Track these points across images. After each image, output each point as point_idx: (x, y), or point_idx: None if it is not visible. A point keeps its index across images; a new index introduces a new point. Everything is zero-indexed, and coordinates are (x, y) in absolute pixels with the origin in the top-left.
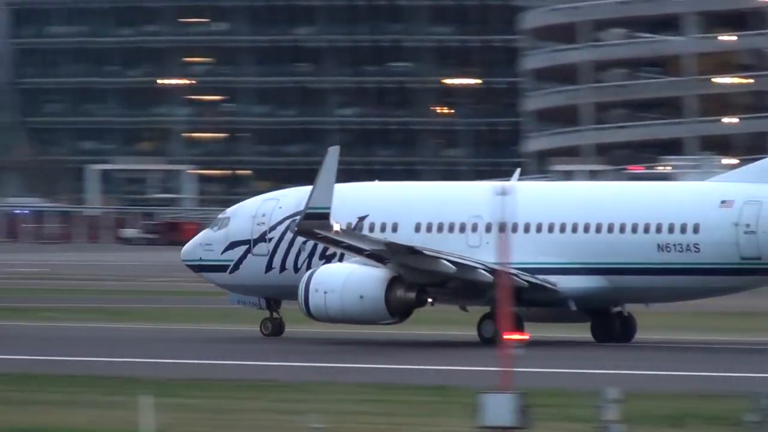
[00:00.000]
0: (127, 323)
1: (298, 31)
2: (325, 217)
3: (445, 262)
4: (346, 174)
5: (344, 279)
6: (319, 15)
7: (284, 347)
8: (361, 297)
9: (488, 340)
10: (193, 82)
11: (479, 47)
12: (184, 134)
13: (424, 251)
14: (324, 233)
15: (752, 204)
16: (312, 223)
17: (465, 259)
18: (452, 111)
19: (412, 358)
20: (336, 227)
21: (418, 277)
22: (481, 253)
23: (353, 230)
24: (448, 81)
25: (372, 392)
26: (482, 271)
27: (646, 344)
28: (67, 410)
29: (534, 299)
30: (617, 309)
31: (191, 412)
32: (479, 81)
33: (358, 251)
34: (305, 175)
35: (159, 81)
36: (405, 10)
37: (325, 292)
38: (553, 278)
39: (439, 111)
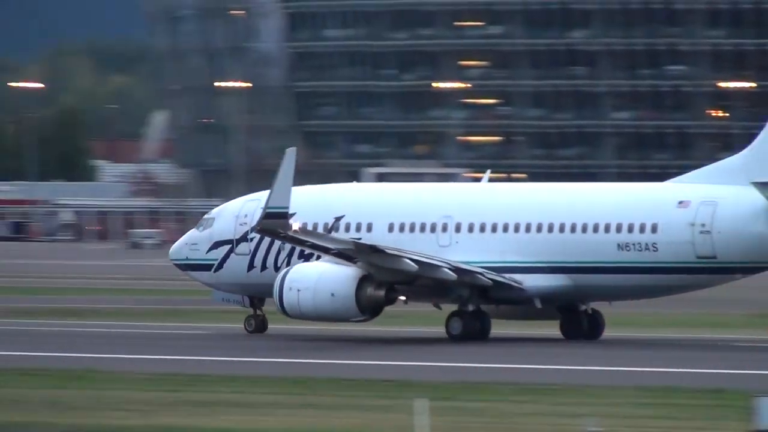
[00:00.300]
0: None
1: (574, 34)
2: (284, 216)
3: (408, 260)
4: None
5: (316, 277)
6: (594, 18)
7: (562, 350)
8: (333, 295)
9: (456, 338)
10: (469, 85)
11: (754, 51)
12: (459, 137)
13: (386, 250)
14: (283, 232)
15: (708, 205)
16: (271, 222)
17: (428, 258)
18: (727, 114)
19: (688, 361)
20: (295, 227)
21: (386, 276)
22: (450, 252)
23: (329, 230)
24: (723, 84)
25: (648, 395)
26: (446, 270)
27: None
28: (338, 413)
29: (501, 297)
30: (585, 307)
31: (468, 416)
32: (754, 84)
33: (325, 250)
34: (580, 178)
35: (434, 84)
36: (680, 13)
37: (299, 290)
38: (518, 277)
39: (714, 114)
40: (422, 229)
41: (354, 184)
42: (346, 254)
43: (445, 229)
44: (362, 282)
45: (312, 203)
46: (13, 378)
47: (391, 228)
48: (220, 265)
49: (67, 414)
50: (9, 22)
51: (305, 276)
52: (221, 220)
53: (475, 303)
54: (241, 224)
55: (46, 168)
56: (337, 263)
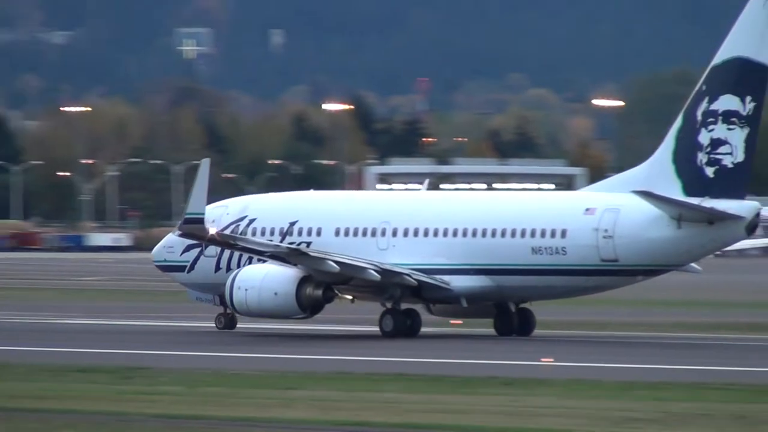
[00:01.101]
0: None
1: None
2: (200, 221)
3: (330, 262)
4: None
5: (262, 277)
6: None
7: None
8: (276, 294)
9: (388, 334)
10: None
11: None
12: None
13: (308, 252)
14: (202, 235)
15: (611, 212)
16: (190, 227)
17: (352, 260)
18: None
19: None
20: (211, 231)
21: (324, 277)
22: (389, 255)
23: (285, 234)
24: None
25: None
26: (371, 271)
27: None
28: None
29: (431, 297)
30: (519, 306)
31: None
32: None
33: (259, 253)
34: None
35: None
36: None
37: (246, 290)
38: (446, 278)
39: None
40: (364, 233)
41: (309, 192)
42: (280, 256)
43: (383, 233)
44: (302, 282)
45: (272, 209)
46: None
47: (337, 232)
48: (192, 266)
49: None
50: None
51: (252, 276)
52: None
53: (408, 302)
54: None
55: None
56: (282, 265)
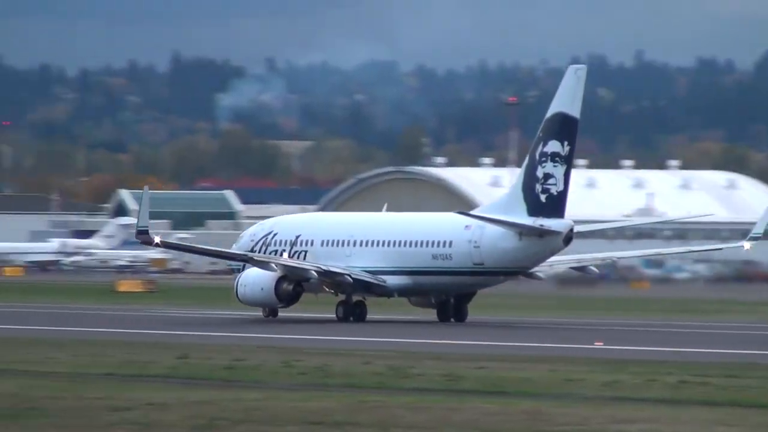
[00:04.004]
0: None
1: None
2: (146, 233)
3: (272, 264)
4: None
5: (253, 278)
6: None
7: None
8: (262, 289)
9: (341, 319)
10: None
11: None
12: None
13: (254, 257)
14: (149, 242)
15: (479, 228)
16: (141, 237)
17: (294, 263)
18: None
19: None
20: (156, 240)
21: (294, 276)
22: (352, 260)
23: (293, 244)
24: None
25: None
26: (312, 272)
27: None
28: None
29: (375, 292)
30: (457, 299)
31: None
32: None
33: (231, 258)
34: None
35: None
36: None
37: (244, 286)
38: (384, 277)
39: None
40: (338, 244)
41: (311, 213)
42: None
43: (349, 244)
44: (280, 280)
45: (287, 225)
46: None
47: (323, 243)
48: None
49: None
50: None
51: (247, 277)
52: (242, 239)
53: (358, 295)
54: (251, 241)
55: None
56: (267, 270)
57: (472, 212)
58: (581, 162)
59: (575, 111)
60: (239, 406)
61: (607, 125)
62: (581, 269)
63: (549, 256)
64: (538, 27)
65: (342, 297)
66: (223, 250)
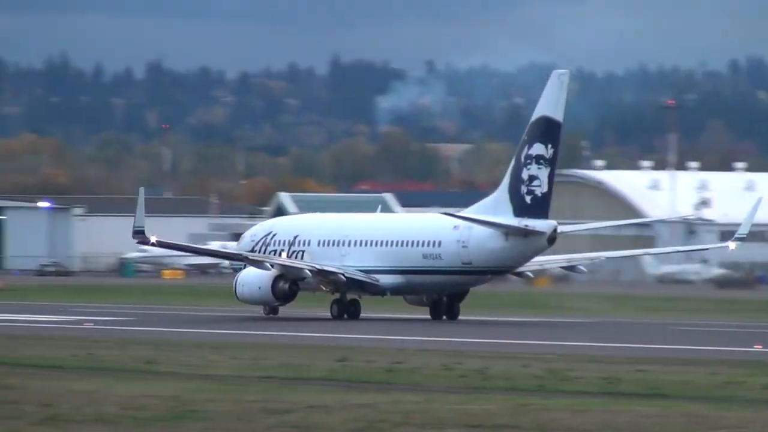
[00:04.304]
0: None
1: None
2: (142, 233)
3: (267, 264)
4: None
5: (251, 277)
6: None
7: None
8: (259, 288)
9: (335, 317)
10: None
11: None
12: None
13: (249, 257)
14: (145, 241)
15: (467, 228)
16: (138, 236)
17: (288, 263)
18: None
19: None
20: (152, 239)
21: (290, 275)
22: (347, 259)
23: (291, 244)
24: None
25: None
26: (306, 270)
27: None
28: None
29: (369, 290)
30: (449, 298)
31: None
32: None
33: (227, 257)
34: None
35: None
36: None
37: (243, 285)
38: (378, 276)
39: None
40: (333, 244)
41: (309, 215)
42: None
43: (344, 244)
44: (276, 279)
45: (286, 226)
46: None
47: (320, 243)
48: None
49: None
50: None
51: (246, 276)
52: (244, 239)
53: (353, 294)
54: (252, 241)
55: None
56: (264, 269)
57: (457, 214)
58: (740, 165)
59: (558, 115)
60: (398, 409)
61: (766, 128)
62: (571, 269)
63: (534, 256)
64: (697, 29)
65: (337, 295)
66: (219, 249)
